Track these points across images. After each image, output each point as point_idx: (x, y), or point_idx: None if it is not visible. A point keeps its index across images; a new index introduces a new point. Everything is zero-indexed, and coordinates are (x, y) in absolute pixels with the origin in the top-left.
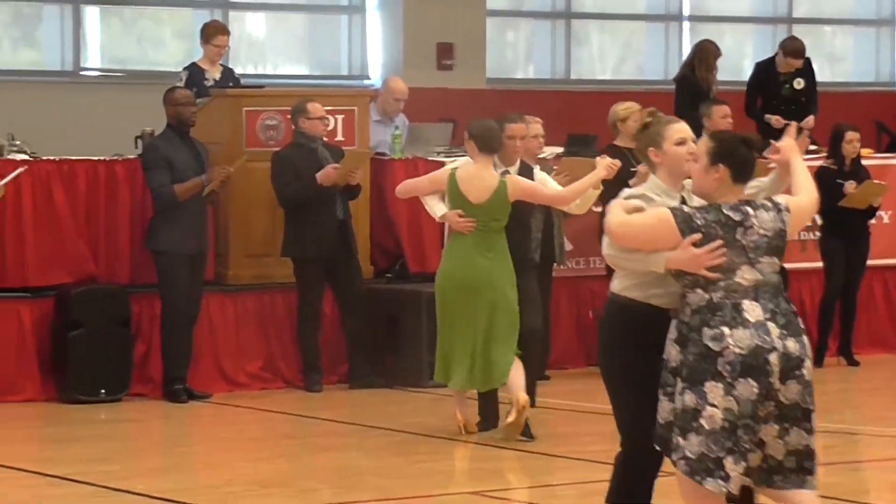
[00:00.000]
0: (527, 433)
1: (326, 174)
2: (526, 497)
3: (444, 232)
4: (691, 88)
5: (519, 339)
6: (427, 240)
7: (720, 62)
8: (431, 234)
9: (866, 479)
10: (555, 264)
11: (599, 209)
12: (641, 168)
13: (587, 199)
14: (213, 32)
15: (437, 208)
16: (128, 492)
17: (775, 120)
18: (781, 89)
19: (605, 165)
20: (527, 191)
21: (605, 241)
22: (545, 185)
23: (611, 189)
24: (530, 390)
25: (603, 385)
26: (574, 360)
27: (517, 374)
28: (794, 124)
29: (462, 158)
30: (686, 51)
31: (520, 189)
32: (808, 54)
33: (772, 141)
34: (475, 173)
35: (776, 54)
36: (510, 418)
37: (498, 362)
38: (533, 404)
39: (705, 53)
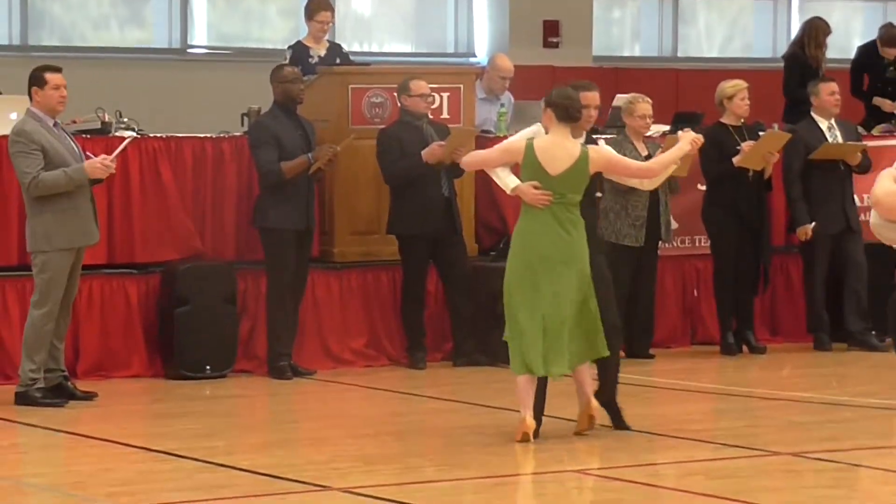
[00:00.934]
0: (622, 424)
1: (432, 151)
2: (629, 475)
3: None
4: (801, 66)
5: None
6: None
7: (829, 40)
8: None
9: None
10: (661, 242)
11: (704, 187)
12: (745, 146)
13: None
14: (316, 8)
15: (508, 180)
16: (232, 467)
17: (889, 105)
18: (886, 72)
19: (690, 140)
20: (612, 162)
21: (873, 212)
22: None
23: (711, 166)
24: (612, 389)
25: (707, 364)
26: (679, 339)
27: (586, 380)
28: None
29: (528, 129)
30: (795, 28)
31: (604, 160)
32: None
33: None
34: (555, 143)
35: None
36: (580, 426)
37: (600, 333)
38: (613, 400)
39: (815, 31)
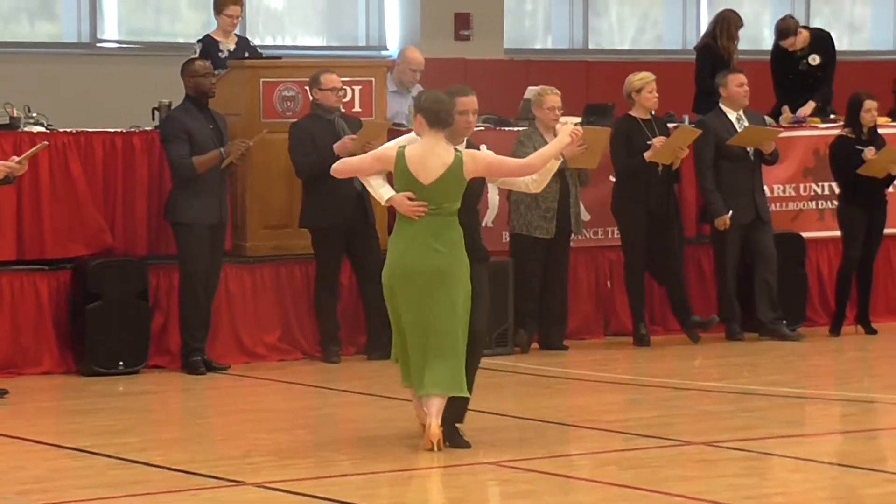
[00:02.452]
0: (460, 443)
1: (343, 145)
2: (543, 467)
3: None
4: (712, 57)
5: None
6: None
7: (741, 32)
8: None
9: (883, 447)
10: (572, 234)
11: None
12: (656, 142)
13: (546, 172)
14: (226, 2)
15: (382, 191)
16: (146, 464)
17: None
18: (798, 65)
19: (569, 132)
20: (490, 164)
21: None
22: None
23: (620, 159)
24: (469, 389)
25: (620, 355)
26: (592, 330)
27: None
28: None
29: (404, 136)
30: (704, 20)
31: (482, 164)
32: (826, 25)
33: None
34: (427, 150)
35: None
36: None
37: (435, 370)
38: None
39: (728, 23)
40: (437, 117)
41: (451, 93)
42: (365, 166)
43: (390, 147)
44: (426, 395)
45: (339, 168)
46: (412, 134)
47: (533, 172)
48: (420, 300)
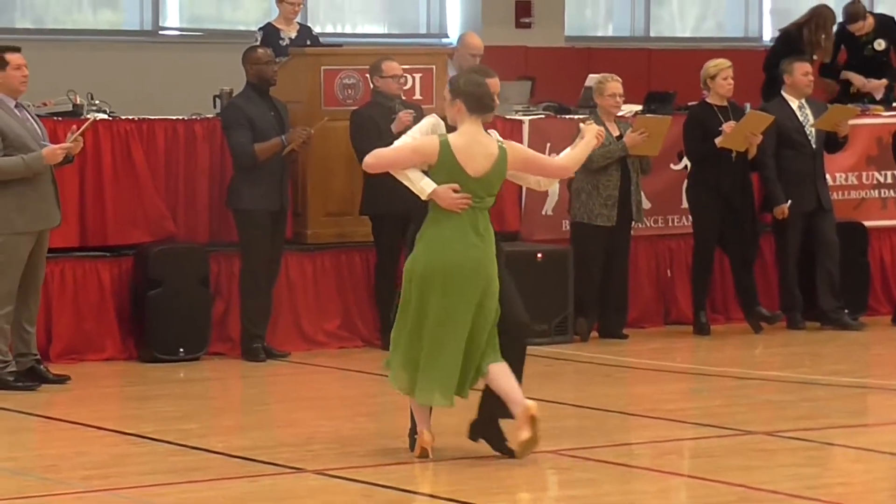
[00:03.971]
0: (504, 449)
1: (400, 121)
2: (603, 455)
3: (521, 192)
4: (792, 46)
5: (503, 333)
6: (505, 198)
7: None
8: (511, 192)
9: None
10: (633, 223)
11: (679, 167)
12: (727, 126)
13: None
14: None
15: (423, 184)
16: (206, 450)
17: (859, 80)
18: (864, 50)
19: (595, 133)
20: (529, 160)
21: None
22: None
23: (694, 145)
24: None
25: (681, 344)
26: (652, 318)
27: (511, 382)
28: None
29: (424, 122)
30: (766, 8)
31: (521, 158)
32: (891, 11)
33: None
34: (470, 140)
35: None
36: (524, 435)
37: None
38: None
39: (824, 19)
40: (480, 102)
41: (477, 73)
42: (402, 159)
43: (430, 137)
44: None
45: (372, 162)
46: (432, 119)
47: (568, 175)
48: (461, 296)
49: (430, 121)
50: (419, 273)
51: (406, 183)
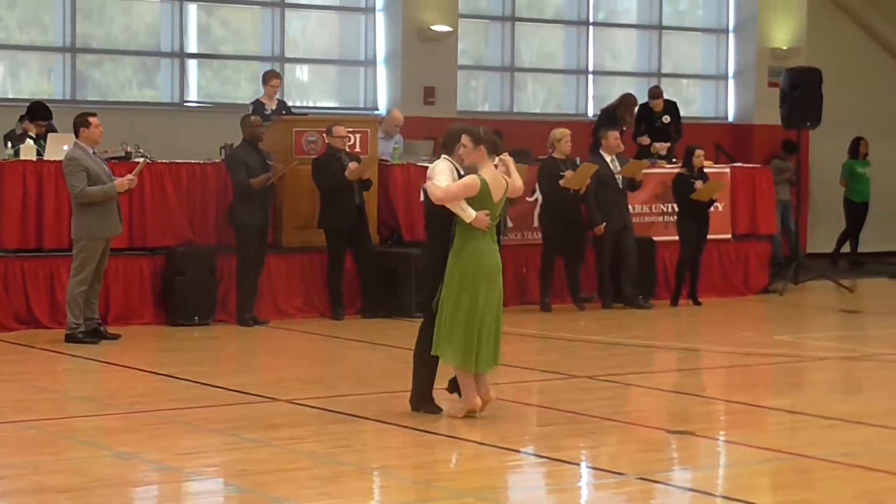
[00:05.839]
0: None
1: (350, 169)
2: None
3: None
4: (608, 120)
5: None
6: (415, 218)
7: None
8: (419, 214)
9: (705, 381)
10: (501, 237)
11: (532, 199)
12: (567, 174)
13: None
14: (269, 77)
15: (470, 211)
16: (213, 385)
17: (644, 140)
18: (656, 123)
19: (509, 159)
20: (512, 187)
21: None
22: None
23: (545, 183)
24: None
25: (530, 317)
26: (512, 300)
27: None
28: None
29: (441, 165)
30: (590, 95)
31: (512, 187)
32: (670, 97)
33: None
34: (493, 175)
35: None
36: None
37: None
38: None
39: (629, 104)
40: (495, 147)
41: (465, 128)
42: (460, 193)
43: (473, 178)
44: (493, 368)
45: (442, 196)
46: (447, 162)
47: (522, 192)
48: (495, 290)
49: (447, 164)
50: (472, 274)
51: (457, 210)
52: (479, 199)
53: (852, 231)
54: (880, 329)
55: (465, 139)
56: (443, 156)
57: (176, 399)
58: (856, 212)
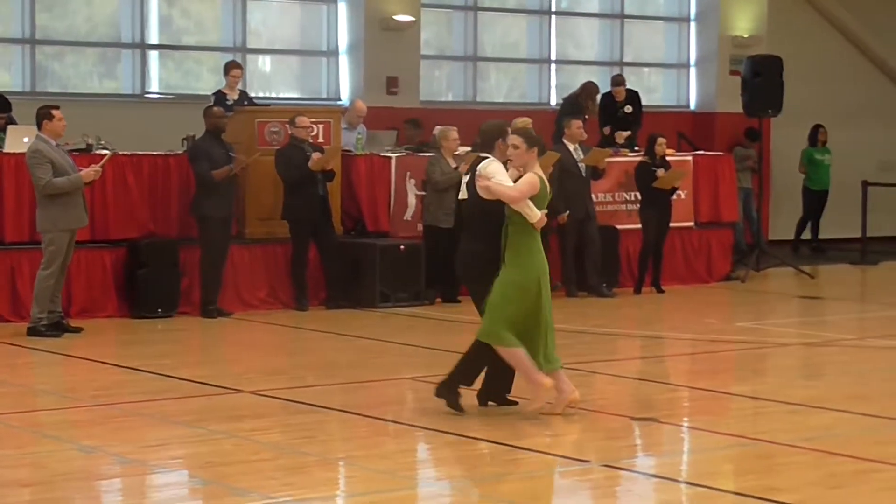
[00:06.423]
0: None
1: (314, 161)
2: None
3: (389, 202)
4: (572, 108)
5: None
6: (379, 208)
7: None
8: (383, 204)
9: (668, 368)
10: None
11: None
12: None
13: None
14: (231, 68)
15: (536, 210)
16: (176, 377)
17: (606, 129)
18: (618, 112)
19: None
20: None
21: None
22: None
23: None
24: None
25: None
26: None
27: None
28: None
29: (493, 165)
30: (553, 84)
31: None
32: (633, 87)
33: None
34: (543, 176)
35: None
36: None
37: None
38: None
39: (591, 92)
40: (543, 148)
41: (502, 123)
42: (529, 193)
43: (533, 176)
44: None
45: (516, 196)
46: (496, 163)
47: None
48: (548, 288)
49: (497, 165)
50: (539, 271)
51: (524, 210)
52: (540, 197)
53: (809, 218)
54: (841, 315)
55: (517, 140)
56: (489, 156)
57: (140, 391)
58: (813, 199)
